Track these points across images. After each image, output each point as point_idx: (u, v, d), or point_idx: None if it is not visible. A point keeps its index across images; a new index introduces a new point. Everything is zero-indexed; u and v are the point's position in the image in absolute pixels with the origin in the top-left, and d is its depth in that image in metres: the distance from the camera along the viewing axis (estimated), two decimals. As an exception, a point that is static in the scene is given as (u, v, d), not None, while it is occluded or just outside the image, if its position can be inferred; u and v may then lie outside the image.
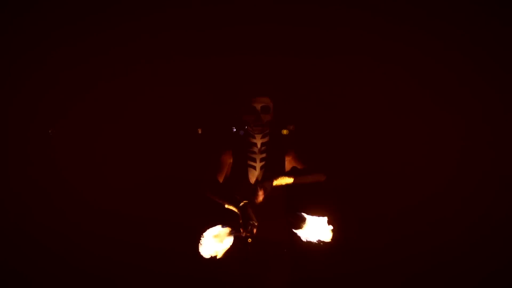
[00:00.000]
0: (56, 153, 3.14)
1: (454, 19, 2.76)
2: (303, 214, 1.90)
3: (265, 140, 2.17)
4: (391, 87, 2.97)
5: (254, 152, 2.15)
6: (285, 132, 2.48)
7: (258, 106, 2.12)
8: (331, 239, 1.85)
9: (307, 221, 1.88)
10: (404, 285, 2.83)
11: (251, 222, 1.86)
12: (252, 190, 1.95)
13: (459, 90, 2.90)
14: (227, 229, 1.85)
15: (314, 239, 1.87)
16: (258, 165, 2.12)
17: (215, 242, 1.85)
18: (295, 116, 2.61)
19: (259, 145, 2.16)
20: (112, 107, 3.17)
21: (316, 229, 1.87)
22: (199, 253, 1.84)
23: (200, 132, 3.24)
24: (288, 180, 2.01)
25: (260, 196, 1.94)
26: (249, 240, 2.08)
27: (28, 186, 3.01)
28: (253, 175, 2.11)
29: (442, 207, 2.97)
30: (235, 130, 2.47)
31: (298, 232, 1.88)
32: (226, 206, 1.96)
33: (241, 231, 1.86)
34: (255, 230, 1.87)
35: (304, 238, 1.88)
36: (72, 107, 3.19)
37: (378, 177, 3.07)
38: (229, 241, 1.85)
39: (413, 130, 3.01)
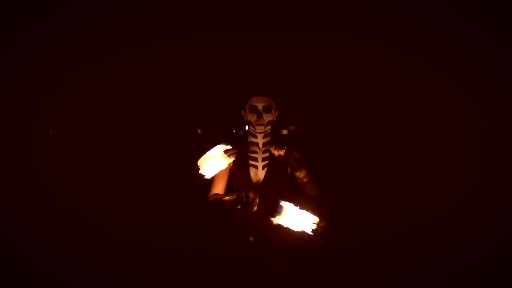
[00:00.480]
0: (56, 153, 3.13)
1: (454, 19, 2.77)
2: (281, 201, 1.88)
3: (266, 139, 2.17)
4: (391, 88, 2.98)
5: (256, 152, 2.15)
6: (285, 132, 2.49)
7: (260, 106, 2.13)
8: (318, 232, 1.84)
9: (285, 209, 1.86)
10: (403, 285, 2.84)
11: (247, 198, 1.86)
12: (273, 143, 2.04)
13: (459, 90, 2.91)
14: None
15: (296, 228, 1.86)
16: (260, 164, 2.12)
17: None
18: (295, 116, 2.61)
19: (261, 145, 2.16)
20: (112, 108, 3.16)
21: (298, 219, 1.86)
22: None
23: (199, 132, 3.24)
24: (304, 177, 2.05)
25: (278, 151, 2.00)
26: (251, 238, 2.08)
27: (28, 186, 3.00)
28: (256, 175, 2.12)
29: (441, 208, 2.98)
30: (234, 130, 2.48)
31: (275, 219, 1.87)
32: (226, 198, 1.96)
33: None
34: (256, 200, 1.88)
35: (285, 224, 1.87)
36: (71, 108, 3.18)
37: (378, 177, 3.07)
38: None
39: (413, 131, 3.02)
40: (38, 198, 3.00)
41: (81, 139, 3.17)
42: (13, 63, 2.94)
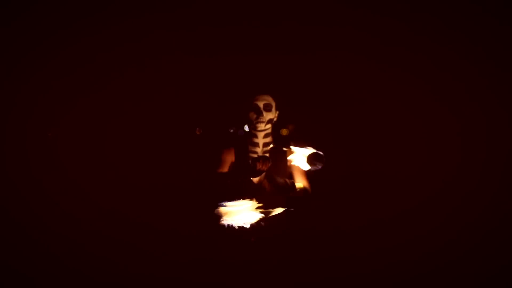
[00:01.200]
0: (56, 155, 3.12)
1: (453, 18, 2.79)
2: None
3: (267, 140, 2.17)
4: (391, 88, 2.99)
5: (256, 152, 2.15)
6: (284, 132, 2.49)
7: (260, 104, 2.14)
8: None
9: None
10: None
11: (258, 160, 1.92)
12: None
13: (458, 90, 2.92)
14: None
15: None
16: (260, 164, 2.13)
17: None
18: (295, 116, 2.61)
19: (261, 145, 2.16)
20: (112, 108, 3.16)
21: None
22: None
23: (198, 133, 3.23)
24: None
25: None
26: (252, 239, 2.09)
27: (28, 187, 2.99)
28: (256, 175, 2.12)
29: (439, 209, 2.98)
30: (232, 131, 2.48)
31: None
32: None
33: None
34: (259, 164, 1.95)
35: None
36: (70, 109, 3.18)
37: (377, 178, 3.08)
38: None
39: (412, 131, 3.02)
40: (38, 198, 2.99)
41: (79, 140, 3.16)
42: (12, 63, 2.94)
